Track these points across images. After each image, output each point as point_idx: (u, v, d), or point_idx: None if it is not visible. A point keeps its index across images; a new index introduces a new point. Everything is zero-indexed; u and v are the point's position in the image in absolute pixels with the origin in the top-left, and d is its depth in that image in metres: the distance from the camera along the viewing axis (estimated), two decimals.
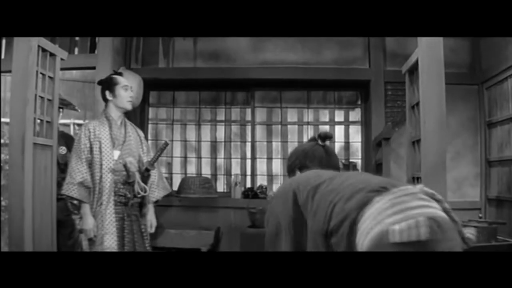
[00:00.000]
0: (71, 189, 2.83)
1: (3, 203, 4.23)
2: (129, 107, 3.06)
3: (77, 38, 3.79)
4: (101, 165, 2.92)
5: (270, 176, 4.29)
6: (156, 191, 3.15)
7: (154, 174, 3.14)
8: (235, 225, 3.80)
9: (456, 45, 3.81)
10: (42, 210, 2.58)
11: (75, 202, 2.91)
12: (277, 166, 4.29)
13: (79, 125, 5.26)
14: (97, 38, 3.66)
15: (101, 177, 2.90)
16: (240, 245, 3.37)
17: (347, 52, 3.98)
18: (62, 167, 3.46)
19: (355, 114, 4.27)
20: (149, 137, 4.36)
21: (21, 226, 2.33)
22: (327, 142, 1.70)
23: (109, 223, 2.88)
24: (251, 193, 3.98)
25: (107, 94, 3.04)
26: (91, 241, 2.89)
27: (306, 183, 1.38)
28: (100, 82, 3.09)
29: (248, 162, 4.26)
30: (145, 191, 2.98)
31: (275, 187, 4.26)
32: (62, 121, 4.86)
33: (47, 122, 2.69)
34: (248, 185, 4.19)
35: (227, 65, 4.02)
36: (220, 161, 4.33)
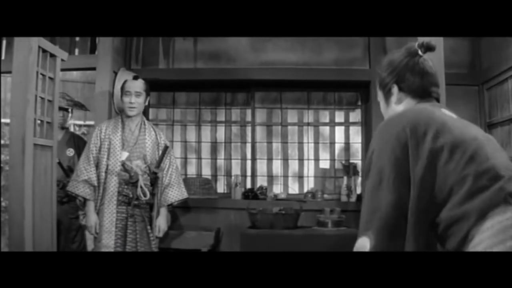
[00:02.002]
0: (75, 186, 2.94)
1: (3, 203, 4.23)
2: (129, 113, 3.09)
3: (77, 39, 3.80)
4: (107, 165, 2.98)
5: (271, 177, 4.28)
6: (169, 194, 3.17)
7: (169, 177, 3.18)
8: (236, 226, 3.80)
9: (456, 45, 3.81)
10: (42, 210, 2.58)
11: (80, 198, 2.98)
12: (277, 167, 4.29)
13: (79, 125, 5.27)
14: (97, 39, 3.66)
15: (105, 176, 2.97)
16: (240, 246, 3.37)
17: (347, 52, 3.98)
18: (67, 169, 3.46)
19: (355, 115, 4.27)
20: None
21: (21, 227, 2.33)
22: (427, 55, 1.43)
23: (109, 222, 2.93)
24: (251, 194, 3.98)
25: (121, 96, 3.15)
26: (93, 237, 2.99)
27: (423, 135, 1.14)
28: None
29: (248, 163, 4.25)
30: (145, 196, 3.00)
31: (275, 188, 4.25)
32: (72, 122, 4.89)
33: (48, 122, 2.69)
34: (249, 186, 4.19)
35: (227, 66, 4.02)
36: (220, 162, 4.32)
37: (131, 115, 3.09)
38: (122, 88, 3.12)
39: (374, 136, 1.28)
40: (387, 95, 1.44)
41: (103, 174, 2.98)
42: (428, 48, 1.40)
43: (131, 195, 2.99)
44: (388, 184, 1.14)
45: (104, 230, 2.92)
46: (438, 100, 1.40)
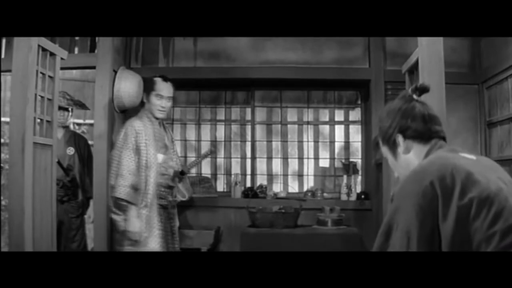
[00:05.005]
0: (124, 192, 2.77)
1: (3, 202, 4.24)
2: (159, 115, 3.03)
3: (77, 38, 3.79)
4: (147, 167, 2.87)
5: (270, 176, 4.28)
6: (180, 193, 3.17)
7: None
8: (235, 224, 3.80)
9: (456, 45, 3.80)
10: (42, 209, 2.58)
11: (124, 203, 2.80)
12: (277, 165, 4.29)
13: (79, 124, 5.27)
14: (97, 38, 3.66)
15: (146, 179, 2.86)
16: (240, 245, 3.37)
17: (347, 51, 3.98)
18: (69, 167, 3.45)
19: (355, 114, 4.27)
20: None
21: (21, 226, 2.33)
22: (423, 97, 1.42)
23: (153, 226, 2.86)
24: (251, 193, 3.98)
25: (144, 95, 3.06)
26: (135, 242, 2.82)
27: (451, 191, 1.11)
28: (145, 81, 3.08)
29: (248, 161, 4.26)
30: (184, 197, 2.99)
31: (275, 186, 4.26)
32: (72, 120, 4.88)
33: (47, 121, 2.69)
34: (248, 184, 4.19)
35: (227, 65, 4.01)
36: (220, 160, 4.32)
37: (160, 117, 3.04)
38: (151, 88, 3.01)
39: (397, 192, 1.23)
40: (393, 147, 1.40)
41: (143, 177, 2.86)
42: (422, 90, 1.40)
43: (170, 198, 2.98)
44: (418, 245, 1.12)
45: (149, 234, 2.83)
46: (444, 139, 1.39)
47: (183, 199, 3.00)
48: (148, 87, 3.04)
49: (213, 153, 3.02)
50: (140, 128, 2.91)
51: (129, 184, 2.79)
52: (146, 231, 2.81)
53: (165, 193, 2.95)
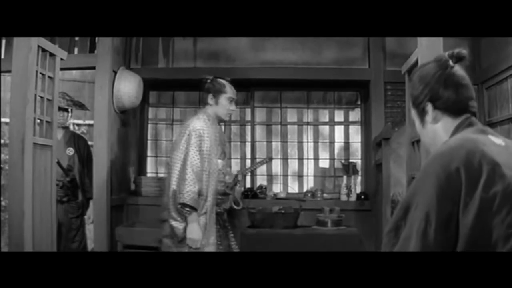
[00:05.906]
0: (191, 198, 2.65)
1: (3, 203, 4.23)
2: (226, 118, 2.95)
3: (76, 38, 3.79)
4: (209, 173, 2.77)
5: (270, 176, 4.28)
6: (235, 201, 3.11)
7: None
8: (235, 225, 3.80)
9: (456, 45, 3.77)
10: (42, 210, 2.58)
11: (188, 209, 2.67)
12: (277, 166, 4.29)
13: (78, 125, 5.26)
14: (96, 38, 3.66)
15: (207, 186, 2.76)
16: (240, 245, 3.37)
17: (347, 52, 3.98)
18: (69, 168, 3.45)
19: (355, 114, 4.27)
20: (149, 137, 4.36)
21: (21, 226, 2.33)
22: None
23: (211, 234, 2.79)
24: (250, 193, 3.98)
25: (209, 97, 2.89)
26: (195, 250, 2.72)
27: (476, 181, 1.07)
28: (206, 82, 2.93)
29: (248, 162, 4.25)
30: (238, 205, 2.95)
31: (275, 187, 4.25)
32: (72, 121, 4.88)
33: (47, 122, 2.69)
34: (248, 185, 4.19)
35: (226, 65, 4.01)
36: None
37: (226, 119, 2.98)
38: (222, 91, 2.87)
39: (421, 171, 1.19)
40: (422, 113, 1.35)
41: (205, 183, 2.75)
42: (459, 58, 1.31)
43: (225, 206, 2.92)
44: (436, 231, 1.08)
45: (207, 242, 2.74)
46: (475, 114, 1.33)
47: (237, 207, 2.94)
48: (217, 89, 2.87)
49: (270, 161, 2.90)
50: (203, 131, 2.77)
51: (197, 189, 2.66)
52: (203, 239, 2.72)
53: (220, 200, 2.86)
